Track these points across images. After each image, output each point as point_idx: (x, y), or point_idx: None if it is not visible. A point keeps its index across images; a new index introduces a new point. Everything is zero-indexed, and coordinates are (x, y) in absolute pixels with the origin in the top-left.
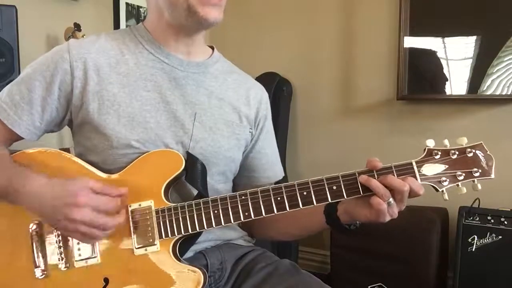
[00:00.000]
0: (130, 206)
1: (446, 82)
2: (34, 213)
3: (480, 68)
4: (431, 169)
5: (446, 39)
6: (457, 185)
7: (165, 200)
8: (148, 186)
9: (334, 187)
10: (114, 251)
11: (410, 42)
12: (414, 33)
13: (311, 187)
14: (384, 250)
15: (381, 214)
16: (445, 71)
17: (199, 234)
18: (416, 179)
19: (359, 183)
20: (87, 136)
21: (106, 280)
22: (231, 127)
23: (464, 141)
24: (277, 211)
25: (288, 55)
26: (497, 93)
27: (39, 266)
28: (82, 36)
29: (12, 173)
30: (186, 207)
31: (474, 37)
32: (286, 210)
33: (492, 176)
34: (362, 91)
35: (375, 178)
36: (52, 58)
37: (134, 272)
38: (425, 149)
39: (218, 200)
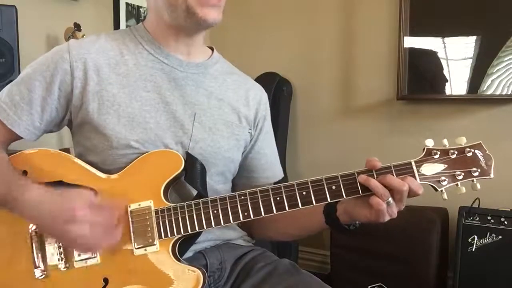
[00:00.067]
0: (129, 207)
1: (446, 82)
2: (32, 222)
3: (480, 68)
4: (430, 168)
5: (446, 39)
6: (456, 184)
7: (164, 200)
8: (148, 186)
9: (333, 187)
10: (114, 251)
11: (410, 42)
12: (414, 33)
13: (310, 187)
14: (384, 250)
15: (380, 214)
16: (445, 71)
17: (198, 234)
18: (415, 179)
19: (358, 183)
20: (86, 136)
21: (106, 280)
22: (231, 128)
23: (463, 141)
24: (276, 211)
25: (288, 55)
26: (497, 93)
27: (39, 267)
28: (82, 36)
29: (11, 181)
30: (185, 207)
31: (474, 37)
32: (285, 210)
33: (491, 175)
34: (362, 91)
35: (374, 178)
36: (52, 58)
37: (133, 272)
38: (424, 149)
39: (218, 200)
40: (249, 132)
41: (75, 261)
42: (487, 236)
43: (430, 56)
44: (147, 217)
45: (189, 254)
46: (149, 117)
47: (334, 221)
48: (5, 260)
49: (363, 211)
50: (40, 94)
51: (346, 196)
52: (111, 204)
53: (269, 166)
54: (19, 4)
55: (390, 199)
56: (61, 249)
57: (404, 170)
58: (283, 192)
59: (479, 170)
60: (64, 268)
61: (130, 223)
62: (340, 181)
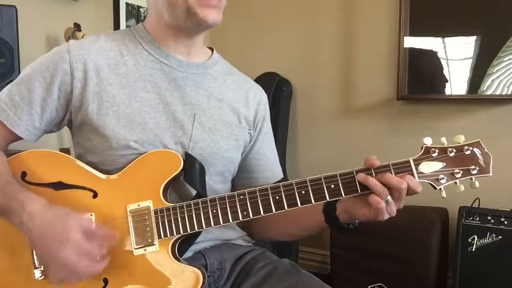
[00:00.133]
0: (128, 207)
1: (446, 82)
2: (26, 234)
3: (480, 68)
4: (429, 167)
5: (446, 39)
6: (455, 182)
7: (163, 200)
8: (147, 186)
9: (332, 186)
10: (113, 252)
11: (410, 42)
12: (414, 33)
13: (309, 186)
14: (384, 250)
15: (379, 213)
16: (445, 71)
17: (198, 234)
18: (414, 177)
19: (357, 182)
20: (86, 137)
21: (106, 281)
22: (230, 128)
23: (461, 139)
24: (275, 210)
25: (288, 55)
26: (497, 93)
27: (38, 267)
28: (82, 36)
29: (10, 190)
30: (184, 207)
31: (474, 37)
32: (284, 209)
33: (490, 173)
34: (362, 91)
35: (373, 177)
36: (52, 58)
37: (133, 273)
38: (422, 147)
39: (217, 199)
40: (248, 133)
41: None
42: (487, 236)
43: (430, 56)
44: (147, 217)
45: (188, 254)
46: (149, 118)
47: (334, 220)
48: (4, 261)
49: (362, 210)
50: (40, 95)
51: (345, 195)
52: (105, 234)
53: (269, 167)
54: (19, 4)
55: (389, 197)
56: None
57: (403, 168)
58: (282, 191)
59: (477, 168)
60: None
61: (130, 223)
62: (339, 180)
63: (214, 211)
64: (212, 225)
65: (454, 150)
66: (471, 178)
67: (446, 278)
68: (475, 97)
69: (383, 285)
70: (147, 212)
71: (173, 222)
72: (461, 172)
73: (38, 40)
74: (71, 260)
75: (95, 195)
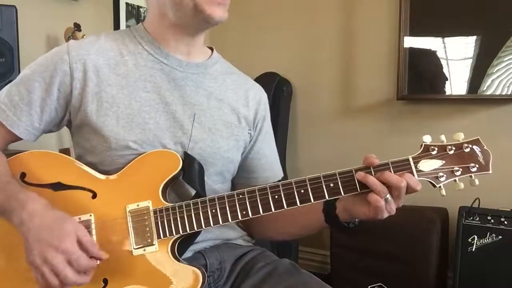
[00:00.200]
0: (128, 207)
1: (446, 82)
2: (20, 232)
3: (480, 68)
4: (428, 164)
5: (446, 39)
6: (455, 180)
7: (163, 200)
8: (146, 186)
9: (331, 184)
10: (113, 252)
11: (410, 42)
12: (414, 33)
13: (308, 185)
14: (384, 250)
15: (379, 211)
16: (445, 71)
17: (197, 234)
18: (413, 175)
19: (356, 180)
20: (86, 137)
21: (105, 281)
22: (230, 128)
23: (460, 137)
24: (274, 210)
25: (288, 55)
26: (497, 93)
27: None
28: (82, 36)
29: (11, 190)
30: (184, 206)
31: (474, 37)
32: (283, 208)
33: (490, 171)
34: (362, 91)
35: (372, 175)
36: (51, 59)
37: (133, 273)
38: (421, 145)
39: (216, 199)
40: (248, 133)
41: None
42: (487, 236)
43: (430, 56)
44: (146, 217)
45: (188, 254)
46: (149, 118)
47: (334, 219)
48: (3, 262)
49: (361, 208)
50: (39, 95)
51: (344, 194)
52: (93, 250)
53: (269, 166)
54: (19, 4)
55: (388, 195)
56: None
57: (402, 166)
58: (281, 190)
59: (477, 166)
60: None
61: (129, 223)
62: (338, 178)
63: (214, 210)
64: (212, 225)
65: (454, 148)
66: (470, 176)
67: (446, 278)
68: (475, 97)
69: (383, 285)
70: (147, 212)
71: (172, 222)
72: (461, 169)
73: (38, 40)
74: (58, 268)
75: (94, 196)
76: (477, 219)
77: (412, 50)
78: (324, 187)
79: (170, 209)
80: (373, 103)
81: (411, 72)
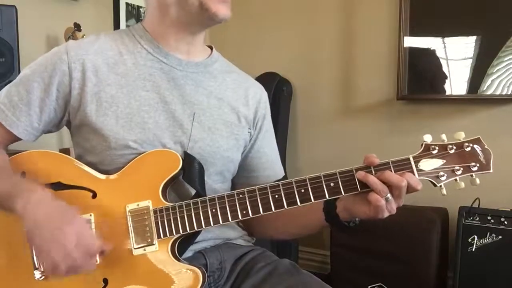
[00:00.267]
0: (128, 207)
1: (446, 82)
2: (27, 222)
3: (480, 68)
4: (429, 164)
5: (446, 39)
6: (455, 179)
7: (163, 199)
8: (146, 186)
9: (332, 184)
10: (113, 252)
11: (410, 42)
12: (414, 33)
13: (308, 184)
14: (384, 250)
15: (379, 210)
16: (445, 71)
17: (197, 233)
18: (414, 175)
19: (356, 180)
20: (85, 137)
21: (106, 281)
22: (230, 127)
23: (461, 136)
24: (275, 209)
25: (288, 55)
26: (497, 93)
27: (38, 268)
28: (82, 36)
29: (17, 179)
30: (184, 206)
31: (474, 37)
32: (283, 207)
33: (491, 170)
34: (362, 91)
35: (372, 174)
36: (50, 59)
37: (133, 273)
38: (422, 144)
39: (216, 199)
40: (248, 132)
41: None
42: (487, 236)
43: (430, 56)
44: (146, 217)
45: (188, 254)
46: (148, 117)
47: (334, 219)
48: (4, 262)
49: (362, 208)
50: (39, 95)
51: (344, 193)
52: (98, 243)
53: (270, 165)
54: (19, 4)
55: (388, 195)
56: None
57: (403, 166)
58: (281, 190)
59: (478, 165)
60: None
61: (129, 223)
62: (339, 178)
63: (214, 210)
64: (212, 224)
65: (454, 147)
66: (471, 175)
67: (446, 278)
68: (475, 97)
69: (383, 285)
70: (147, 212)
71: (172, 221)
72: (462, 169)
73: (38, 40)
74: (64, 246)
75: (94, 195)
76: (477, 219)
77: (412, 50)
78: (324, 186)
79: (170, 208)
80: (373, 103)
81: (411, 72)
